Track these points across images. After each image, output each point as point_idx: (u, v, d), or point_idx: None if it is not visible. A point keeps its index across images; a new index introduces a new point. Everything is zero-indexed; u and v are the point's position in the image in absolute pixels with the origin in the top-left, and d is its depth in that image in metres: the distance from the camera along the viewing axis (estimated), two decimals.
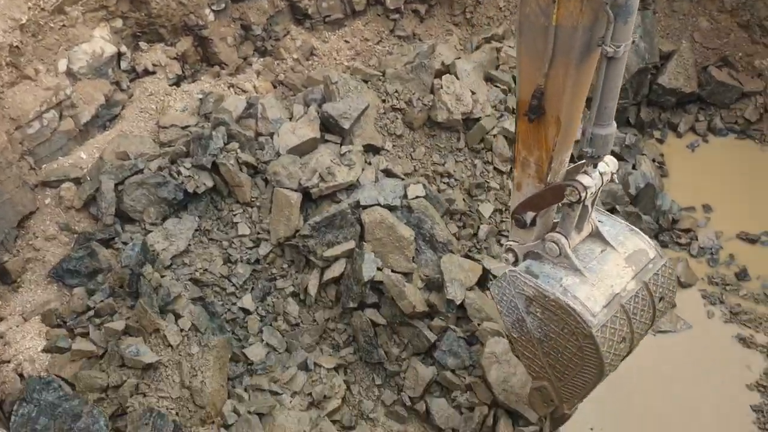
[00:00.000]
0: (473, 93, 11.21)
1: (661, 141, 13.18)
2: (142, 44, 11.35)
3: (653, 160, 12.45)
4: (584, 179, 6.25)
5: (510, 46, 12.73)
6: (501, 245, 10.95)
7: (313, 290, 9.64)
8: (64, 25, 10.22)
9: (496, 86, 11.90)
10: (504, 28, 13.07)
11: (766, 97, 13.25)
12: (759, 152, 13.07)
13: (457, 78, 11.23)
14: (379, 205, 9.73)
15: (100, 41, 10.71)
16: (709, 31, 13.59)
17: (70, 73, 10.32)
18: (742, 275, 11.15)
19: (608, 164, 6.45)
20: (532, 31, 5.37)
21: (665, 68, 12.98)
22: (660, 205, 11.72)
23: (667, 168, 12.66)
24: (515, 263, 7.03)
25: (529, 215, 6.65)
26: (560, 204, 6.49)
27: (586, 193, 6.26)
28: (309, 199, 9.93)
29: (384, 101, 11.05)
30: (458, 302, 9.61)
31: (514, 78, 12.29)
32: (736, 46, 13.49)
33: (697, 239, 11.59)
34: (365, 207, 9.73)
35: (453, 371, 9.50)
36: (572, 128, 5.83)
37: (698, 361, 10.11)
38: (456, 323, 9.83)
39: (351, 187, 9.93)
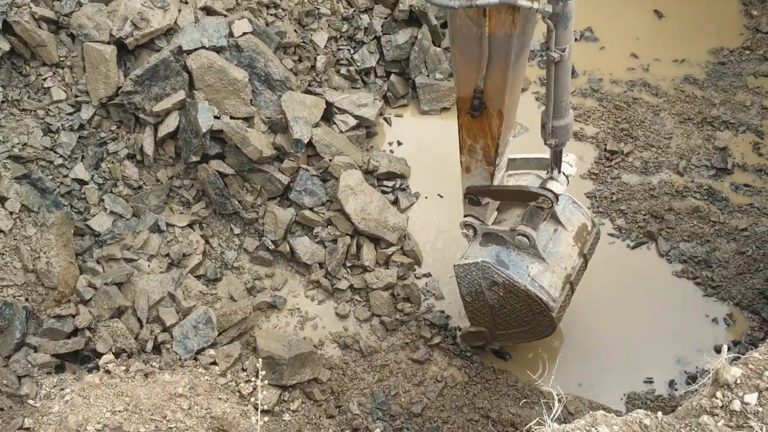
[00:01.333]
0: None
1: None
2: None
3: None
4: (555, 187, 6.83)
5: None
6: (340, 75, 10.72)
7: (149, 149, 9.07)
8: None
9: None
10: None
11: None
12: None
13: None
14: (204, 47, 9.05)
15: None
16: None
17: None
18: (571, 72, 11.61)
19: (571, 165, 7.11)
20: (465, 40, 5.44)
21: None
22: None
23: None
24: (474, 235, 7.41)
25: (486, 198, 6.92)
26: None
27: (557, 199, 6.87)
28: (126, 51, 9.06)
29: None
30: (306, 141, 9.44)
31: None
32: None
33: None
34: (189, 52, 9.02)
35: (311, 209, 9.53)
36: (513, 115, 6.16)
37: None
38: (307, 162, 9.74)
39: (170, 32, 9.12)
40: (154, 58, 8.83)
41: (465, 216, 7.28)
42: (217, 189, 9.15)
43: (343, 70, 10.75)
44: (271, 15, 10.15)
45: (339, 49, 10.87)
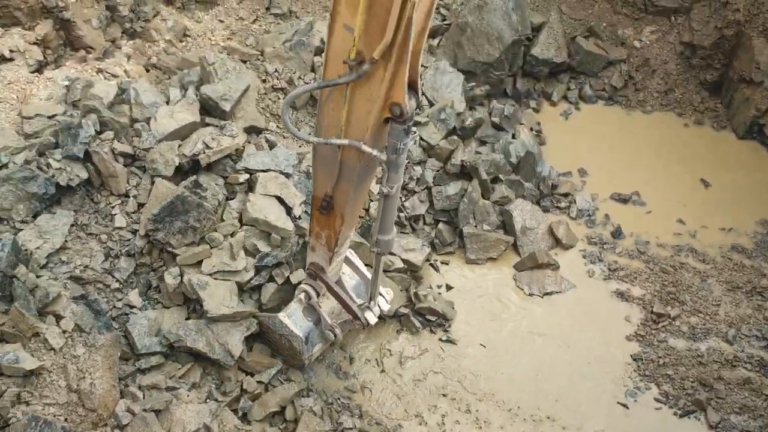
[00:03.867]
0: None
1: (537, 110, 13.67)
2: None
3: (531, 129, 12.88)
4: (370, 318, 8.56)
5: None
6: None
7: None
8: None
9: None
10: None
11: (629, 65, 14.01)
12: (626, 117, 13.81)
13: None
14: (271, 170, 9.55)
15: None
16: (575, 3, 14.18)
17: None
18: (617, 234, 11.81)
19: (387, 302, 8.86)
20: (324, 158, 6.80)
21: (537, 40, 13.42)
22: (540, 172, 12.17)
23: (544, 136, 13.15)
24: (308, 301, 8.65)
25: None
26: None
27: (369, 324, 8.65)
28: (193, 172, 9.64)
29: (264, 81, 10.79)
30: None
31: None
32: (600, 17, 14.15)
33: (575, 202, 12.14)
34: (257, 171, 9.59)
35: None
36: (353, 220, 7.61)
37: (583, 318, 10.67)
38: None
39: (238, 153, 9.72)
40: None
41: (304, 284, 8.58)
42: None
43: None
44: None
45: None
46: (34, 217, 9.06)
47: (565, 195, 12.23)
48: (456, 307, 10.56)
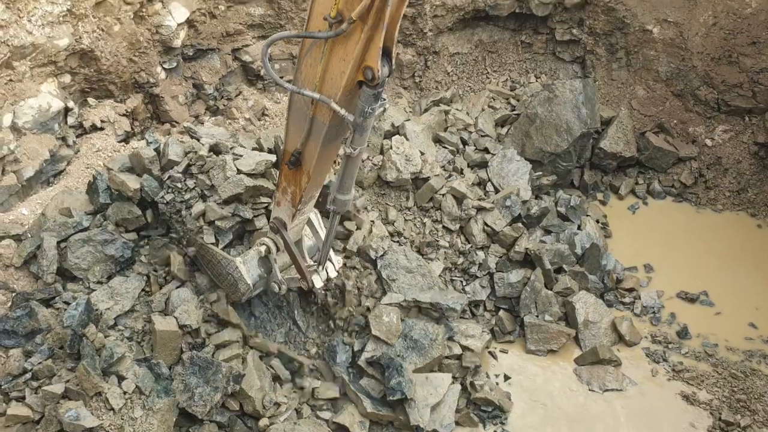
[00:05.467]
0: (422, 153, 11.51)
1: (603, 203, 13.61)
2: (91, 100, 11.26)
3: (597, 221, 12.80)
4: (317, 281, 8.80)
5: (458, 109, 13.12)
6: None
7: None
8: (11, 80, 10.07)
9: (444, 147, 12.22)
10: (452, 92, 13.48)
11: (700, 162, 13.89)
12: (695, 214, 13.58)
13: (407, 139, 11.50)
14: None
15: (47, 96, 10.58)
16: (646, 99, 14.26)
17: (14, 128, 10.12)
18: (684, 333, 11.43)
19: (336, 270, 9.09)
20: (297, 113, 7.07)
21: (606, 133, 13.50)
22: (605, 265, 12.00)
23: (610, 229, 13.03)
24: (267, 254, 8.76)
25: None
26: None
27: (315, 287, 8.89)
28: None
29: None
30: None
31: (462, 140, 12.64)
32: (671, 114, 14.16)
33: (640, 298, 11.86)
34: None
35: None
36: (320, 180, 7.91)
37: (644, 419, 10.23)
38: None
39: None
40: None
41: (266, 237, 8.68)
42: None
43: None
44: (395, 242, 10.86)
45: (452, 280, 11.31)
46: (108, 278, 9.44)
47: (630, 290, 11.98)
48: (513, 398, 10.31)
